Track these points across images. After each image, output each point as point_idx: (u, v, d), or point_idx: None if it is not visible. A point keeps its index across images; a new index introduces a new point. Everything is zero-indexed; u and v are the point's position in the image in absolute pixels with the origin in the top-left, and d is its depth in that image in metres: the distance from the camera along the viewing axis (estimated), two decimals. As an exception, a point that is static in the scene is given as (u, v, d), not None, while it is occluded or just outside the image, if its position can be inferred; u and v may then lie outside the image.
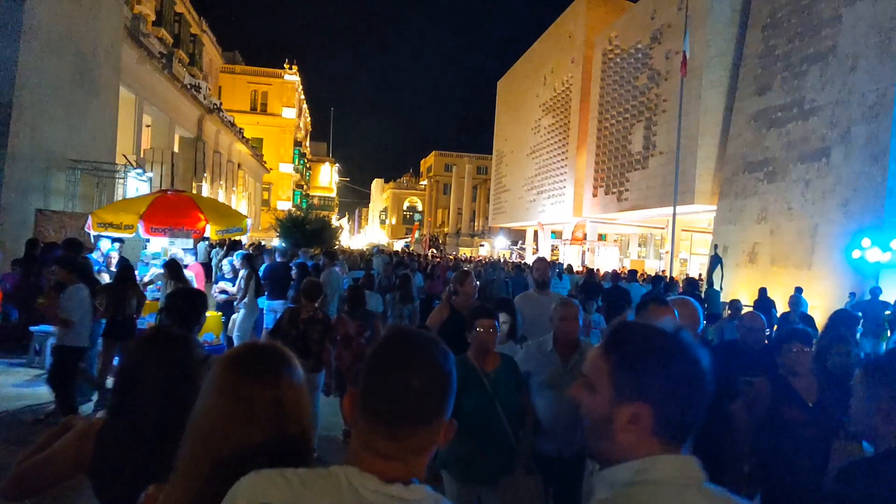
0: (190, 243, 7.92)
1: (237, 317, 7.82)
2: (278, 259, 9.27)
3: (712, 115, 22.92)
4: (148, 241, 8.65)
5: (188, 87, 24.34)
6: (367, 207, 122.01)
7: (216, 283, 8.70)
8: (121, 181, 14.65)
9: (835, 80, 17.47)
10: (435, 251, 43.79)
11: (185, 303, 3.26)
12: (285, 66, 54.31)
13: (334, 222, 67.60)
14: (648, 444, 1.14)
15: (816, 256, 17.43)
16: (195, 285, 8.65)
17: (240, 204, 38.02)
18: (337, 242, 36.98)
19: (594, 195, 32.49)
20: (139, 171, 14.07)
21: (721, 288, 17.48)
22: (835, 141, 17.17)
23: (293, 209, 37.85)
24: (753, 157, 20.63)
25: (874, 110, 15.98)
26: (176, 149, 25.70)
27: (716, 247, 19.93)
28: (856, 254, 15.44)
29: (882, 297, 12.59)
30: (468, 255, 46.67)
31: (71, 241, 6.68)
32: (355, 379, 1.27)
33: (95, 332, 6.20)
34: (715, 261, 18.82)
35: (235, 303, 7.94)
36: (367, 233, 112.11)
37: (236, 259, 8.42)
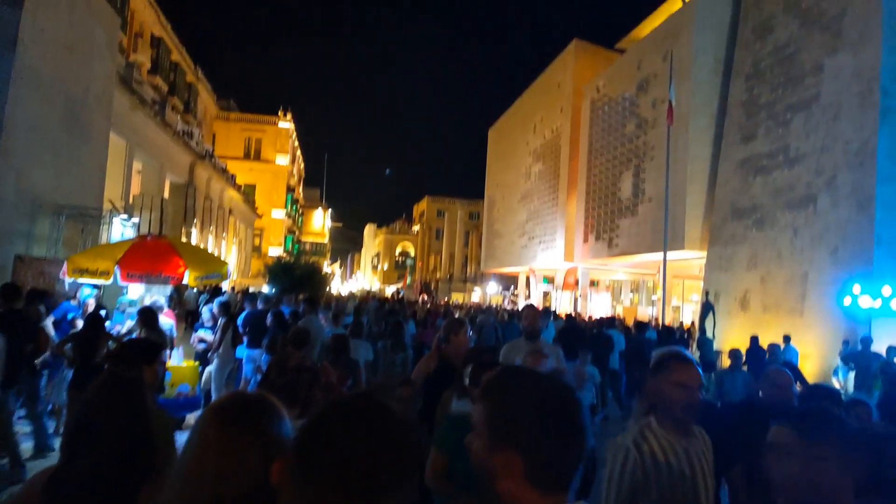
0: (167, 290, 7.69)
1: (211, 368, 7.56)
2: (259, 306, 9.05)
3: (700, 163, 23.07)
4: (126, 287, 8.42)
5: (180, 133, 24.43)
6: (360, 253, 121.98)
7: (196, 331, 8.46)
8: (106, 227, 14.48)
9: (819, 129, 17.66)
10: (426, 296, 43.42)
11: (134, 352, 3.19)
12: (279, 113, 54.96)
13: (326, 268, 67.90)
14: (525, 493, 1.10)
15: (808, 303, 17.29)
16: (175, 334, 8.43)
17: (230, 250, 37.77)
18: (327, 288, 36.67)
19: (585, 241, 32.45)
20: (125, 216, 13.91)
21: (714, 336, 17.26)
22: (821, 188, 17.26)
23: (284, 255, 37.57)
24: (741, 204, 20.66)
25: (858, 158, 16.12)
26: (166, 195, 25.65)
27: (707, 293, 19.78)
28: (847, 301, 15.33)
29: (874, 346, 12.43)
30: (461, 300, 46.29)
31: (33, 291, 6.46)
32: None
33: (35, 384, 5.89)
34: (707, 308, 18.65)
35: (210, 353, 7.69)
36: (358, 278, 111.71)
37: (216, 306, 8.19)
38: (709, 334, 16.92)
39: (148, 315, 6.17)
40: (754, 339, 13.07)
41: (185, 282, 7.27)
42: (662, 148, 24.12)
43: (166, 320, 7.25)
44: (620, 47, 32.31)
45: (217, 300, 7.96)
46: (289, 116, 55.56)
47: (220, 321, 7.69)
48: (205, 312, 8.38)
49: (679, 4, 26.76)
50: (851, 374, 11.99)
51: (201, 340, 8.15)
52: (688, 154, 23.03)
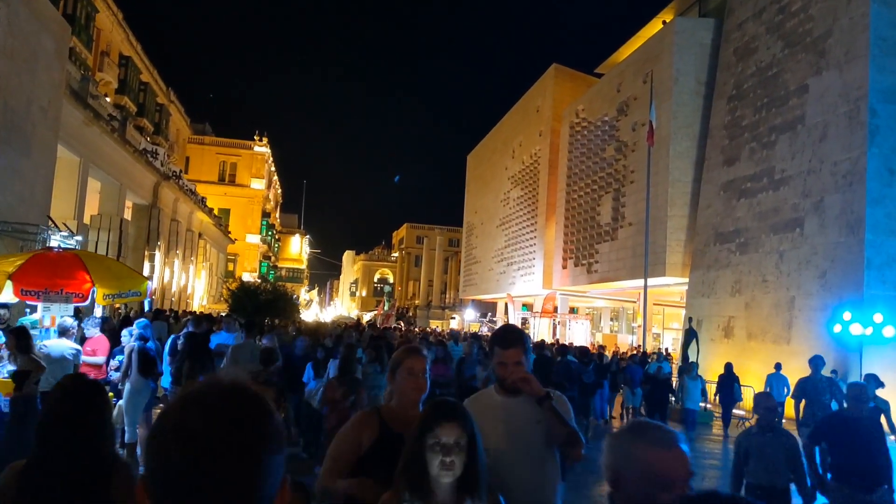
0: (70, 309, 6.55)
1: (121, 402, 6.45)
2: (189, 328, 7.98)
3: (681, 186, 22.56)
4: (44, 307, 7.23)
5: (143, 152, 23.26)
6: (339, 279, 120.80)
7: (113, 358, 7.34)
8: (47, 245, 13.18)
9: (805, 150, 17.08)
10: (402, 324, 42.34)
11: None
12: (255, 137, 54.37)
13: (304, 294, 66.83)
14: None
15: (795, 331, 16.50)
16: (99, 361, 7.30)
17: (199, 274, 36.48)
18: (299, 315, 35.30)
19: (564, 267, 31.81)
20: (65, 233, 12.68)
21: (697, 364, 16.34)
22: (808, 211, 16.60)
23: (257, 280, 36.29)
24: (724, 228, 20.08)
25: (847, 179, 15.47)
26: (128, 215, 24.39)
27: (690, 320, 19.02)
28: (837, 328, 14.51)
29: (867, 372, 11.55)
30: (440, 327, 45.36)
31: None
32: None
33: None
34: (690, 335, 17.86)
35: (118, 384, 6.59)
36: (337, 305, 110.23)
37: (136, 331, 7.04)
38: (692, 361, 16.01)
39: (21, 337, 5.03)
40: (728, 367, 12.37)
41: (90, 300, 6.17)
42: (643, 171, 23.62)
43: (68, 345, 6.08)
44: (600, 72, 32.03)
45: (136, 323, 6.83)
46: (265, 141, 54.93)
47: (134, 346, 6.56)
48: (124, 337, 7.23)
49: (659, 27, 26.45)
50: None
51: (116, 369, 7.03)
52: (669, 177, 22.53)
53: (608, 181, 27.74)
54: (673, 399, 14.19)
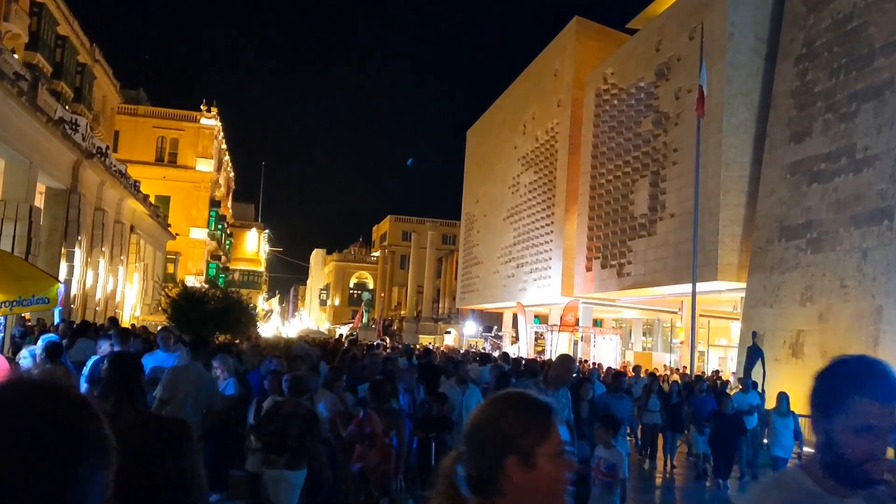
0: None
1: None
2: (115, 348, 7.56)
3: (736, 168, 22.43)
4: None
5: (59, 122, 22.78)
6: (305, 285, 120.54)
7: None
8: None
9: (894, 122, 16.83)
10: (387, 341, 42.05)
11: None
12: (202, 107, 54.20)
13: (261, 303, 66.53)
14: None
15: (884, 348, 16.24)
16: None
17: (131, 277, 36.01)
18: (257, 329, 34.91)
19: (588, 269, 31.59)
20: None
21: (763, 391, 16.08)
22: (899, 198, 16.37)
23: (203, 286, 35.93)
24: (792, 221, 19.90)
25: (949, 159, 15.20)
26: (39, 202, 23.93)
27: (754, 335, 18.80)
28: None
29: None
30: (433, 344, 45.08)
31: None
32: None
33: None
34: (754, 354, 17.64)
35: None
36: (303, 317, 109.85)
37: (41, 347, 6.63)
38: (758, 390, 15.70)
39: None
40: (782, 398, 11.42)
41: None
42: (688, 150, 23.40)
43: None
44: (633, 27, 31.79)
45: (42, 338, 6.41)
46: (214, 112, 54.90)
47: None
48: (24, 357, 6.79)
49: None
50: None
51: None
52: (721, 157, 22.36)
53: (644, 162, 27.55)
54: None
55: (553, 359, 26.05)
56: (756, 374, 17.28)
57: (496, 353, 31.24)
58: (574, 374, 8.73)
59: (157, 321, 32.01)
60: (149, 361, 8.61)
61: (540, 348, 41.20)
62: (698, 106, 19.84)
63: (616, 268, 29.19)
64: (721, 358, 37.59)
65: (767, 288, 20.50)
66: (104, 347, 8.65)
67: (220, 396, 8.14)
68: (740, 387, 14.29)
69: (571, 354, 33.77)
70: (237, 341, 21.73)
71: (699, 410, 12.80)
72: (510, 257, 41.98)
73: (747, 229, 22.14)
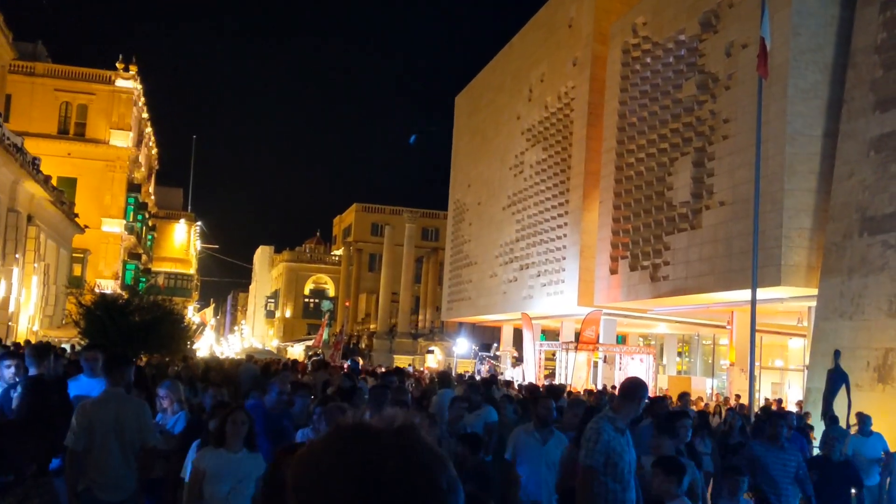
0: None
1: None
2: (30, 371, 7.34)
3: (805, 143, 22.43)
4: None
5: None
6: (247, 292, 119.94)
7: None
8: None
9: None
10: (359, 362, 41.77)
11: None
12: (118, 65, 53.88)
13: (192, 314, 66.08)
14: None
15: None
16: None
17: (28, 282, 35.53)
18: (192, 346, 34.65)
19: (613, 271, 31.49)
20: None
21: (848, 425, 15.98)
22: None
23: (122, 292, 35.80)
24: (877, 210, 19.91)
25: None
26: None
27: (837, 355, 18.73)
28: None
29: None
30: (413, 366, 44.90)
31: None
32: None
33: None
34: (837, 380, 17.62)
35: None
36: (244, 332, 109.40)
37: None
38: (842, 423, 15.63)
39: None
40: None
41: None
42: (744, 120, 23.31)
43: None
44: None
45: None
46: (133, 72, 54.69)
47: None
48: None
49: None
50: None
51: None
52: (786, 129, 22.32)
53: (686, 136, 27.48)
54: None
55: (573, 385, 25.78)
56: (839, 405, 17.26)
57: (503, 378, 31.08)
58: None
59: (64, 337, 31.60)
60: (73, 388, 8.39)
61: (547, 372, 41.16)
62: (760, 64, 19.59)
63: (649, 270, 29.07)
64: (775, 383, 37.79)
65: (845, 295, 20.41)
66: (4, 373, 8.38)
67: (166, 434, 7.95)
68: (855, 425, 14.06)
69: (586, 382, 33.71)
70: (166, 361, 21.62)
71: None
72: (512, 257, 41.79)
73: (819, 221, 22.09)
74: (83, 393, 8.49)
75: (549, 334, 47.51)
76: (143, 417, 7.55)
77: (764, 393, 32.56)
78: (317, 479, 1.48)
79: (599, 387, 31.13)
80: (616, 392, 23.71)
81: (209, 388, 10.07)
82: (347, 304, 75.87)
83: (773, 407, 23.06)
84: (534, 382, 28.01)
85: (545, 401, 9.53)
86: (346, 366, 28.54)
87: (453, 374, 35.36)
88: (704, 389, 36.08)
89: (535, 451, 8.66)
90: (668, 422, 8.53)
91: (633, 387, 7.02)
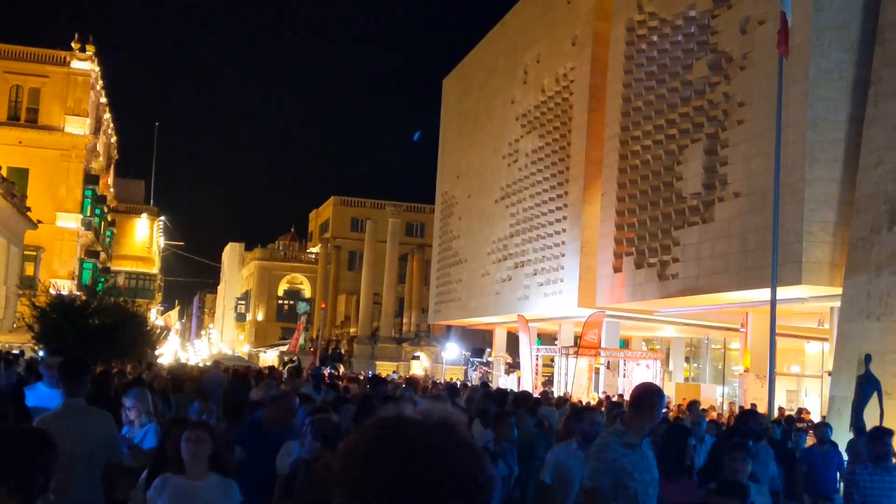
0: None
1: None
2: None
3: (828, 129, 22.32)
4: None
5: None
6: (215, 293, 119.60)
7: None
8: None
9: None
10: (340, 369, 41.75)
11: None
12: (74, 45, 53.62)
13: (155, 317, 65.73)
14: None
15: None
16: None
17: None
18: (157, 353, 34.43)
19: (616, 269, 31.45)
20: None
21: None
22: None
23: (79, 293, 35.51)
24: (908, 201, 19.74)
25: None
26: None
27: (868, 360, 18.68)
28: None
29: None
30: (398, 373, 44.76)
31: None
32: None
33: None
34: (869, 386, 17.52)
35: None
36: (212, 337, 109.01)
37: None
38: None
39: None
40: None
41: None
42: (760, 103, 23.25)
43: None
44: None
45: None
46: (90, 52, 54.46)
47: None
48: None
49: None
50: None
51: None
52: (807, 113, 22.26)
53: (697, 121, 27.46)
54: None
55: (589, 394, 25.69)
56: (870, 413, 17.21)
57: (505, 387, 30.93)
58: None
59: (17, 342, 31.31)
60: (31, 398, 8.33)
61: (544, 378, 41.14)
62: (779, 42, 19.46)
63: (657, 268, 29.00)
64: (791, 391, 37.80)
65: (873, 295, 20.29)
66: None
67: (134, 449, 7.78)
68: None
69: (589, 390, 33.66)
70: (129, 370, 21.48)
71: (824, 471, 12.24)
72: (506, 254, 41.79)
73: (844, 214, 22.01)
74: (42, 404, 8.38)
75: (547, 338, 47.44)
76: (110, 431, 7.40)
77: (779, 401, 32.54)
78: (358, 470, 1.62)
79: (601, 394, 31.26)
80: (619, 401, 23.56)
81: (195, 401, 9.84)
82: (324, 305, 75.61)
83: (800, 417, 23.01)
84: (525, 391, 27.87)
85: (590, 413, 9.31)
86: (307, 372, 28.40)
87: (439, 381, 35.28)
88: (714, 397, 36.12)
89: (581, 472, 7.67)
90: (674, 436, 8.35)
91: (645, 394, 6.76)
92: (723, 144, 26.07)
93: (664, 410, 13.42)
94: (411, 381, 17.99)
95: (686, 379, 45.03)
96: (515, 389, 31.45)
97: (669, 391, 35.92)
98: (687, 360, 47.67)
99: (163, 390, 12.25)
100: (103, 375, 11.86)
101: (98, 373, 12.01)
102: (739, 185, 25.04)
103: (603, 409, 20.89)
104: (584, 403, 22.09)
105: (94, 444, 7.08)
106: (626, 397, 28.90)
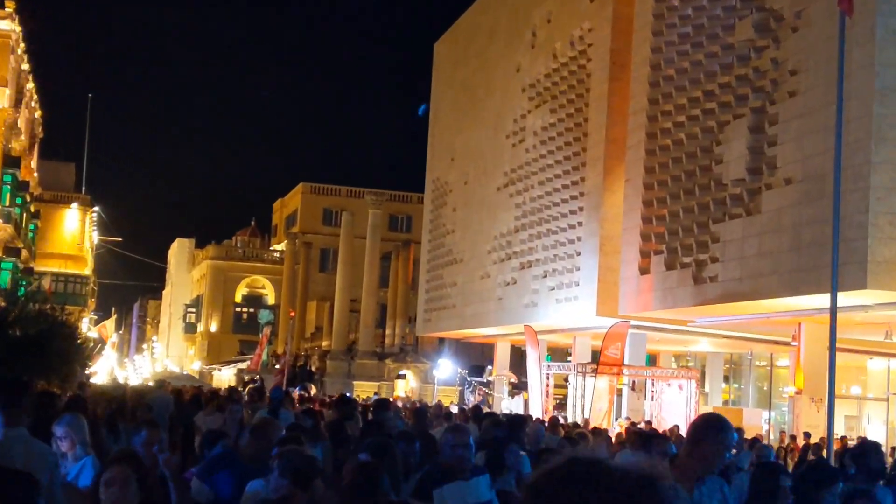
0: None
1: None
2: None
3: (899, 101, 22.33)
4: None
5: None
6: (160, 299, 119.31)
7: None
8: None
9: None
10: (313, 389, 41.70)
11: None
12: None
13: (86, 327, 65.47)
14: None
15: None
16: None
17: None
18: (87, 367, 34.34)
19: (644, 271, 31.37)
20: None
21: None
22: None
23: None
24: None
25: None
26: None
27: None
28: None
29: None
30: (378, 394, 44.57)
31: None
32: None
33: None
34: None
35: None
36: (156, 353, 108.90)
37: None
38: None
39: None
40: None
41: None
42: (817, 73, 23.34)
43: None
44: None
45: None
46: (10, 9, 54.76)
47: None
48: None
49: None
50: None
51: None
52: (874, 83, 22.26)
53: (740, 93, 27.48)
54: None
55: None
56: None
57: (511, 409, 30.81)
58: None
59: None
60: None
61: (556, 402, 41.02)
62: (842, -1, 19.49)
63: (692, 269, 28.94)
64: (850, 416, 37.82)
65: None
66: None
67: (68, 489, 7.76)
68: None
69: (612, 416, 33.58)
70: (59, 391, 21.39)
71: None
72: (510, 252, 41.80)
73: (917, 204, 22.03)
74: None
75: (559, 354, 47.42)
76: (53, 469, 7.49)
77: (836, 428, 32.55)
78: None
79: (624, 420, 31.17)
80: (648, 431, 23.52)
81: (142, 429, 9.52)
82: (291, 314, 75.34)
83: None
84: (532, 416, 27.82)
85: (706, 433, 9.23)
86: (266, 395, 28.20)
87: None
88: (760, 424, 36.12)
89: None
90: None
91: (705, 427, 6.51)
92: (771, 121, 26.02)
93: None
94: (419, 413, 17.53)
95: (725, 402, 45.06)
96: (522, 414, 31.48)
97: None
98: (726, 379, 47.72)
99: (110, 416, 12.07)
100: (46, 397, 11.71)
101: (39, 394, 11.86)
102: (791, 170, 24.97)
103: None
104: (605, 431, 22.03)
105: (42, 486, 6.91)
106: (655, 424, 28.90)
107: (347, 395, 34.27)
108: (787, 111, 25.36)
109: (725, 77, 28.09)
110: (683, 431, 24.17)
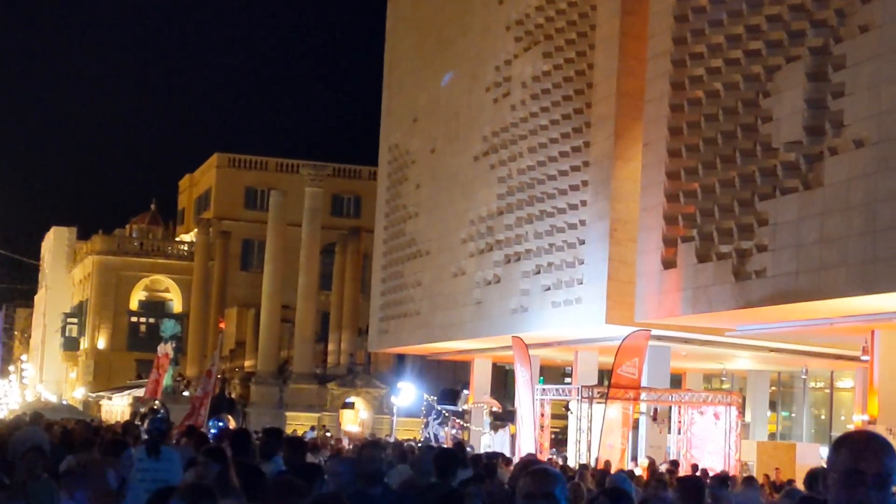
0: None
1: None
2: None
3: None
4: None
5: None
6: (31, 306, 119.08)
7: None
8: None
9: None
10: (231, 421, 41.55)
11: None
12: None
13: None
14: None
15: None
16: None
17: None
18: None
19: (668, 264, 31.24)
20: None
21: None
22: None
23: None
24: None
25: None
26: None
27: None
28: None
29: None
30: (318, 430, 44.60)
31: None
32: None
33: None
34: None
35: None
36: (26, 377, 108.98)
37: None
38: None
39: None
40: None
41: None
42: (885, 12, 23.47)
43: None
44: None
45: None
46: None
47: None
48: None
49: None
50: None
51: None
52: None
53: (795, 29, 27.52)
54: None
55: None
56: None
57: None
58: None
59: None
60: None
61: (553, 435, 41.03)
62: None
63: (731, 261, 29.00)
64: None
65: None
66: None
67: None
68: None
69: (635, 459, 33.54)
70: None
71: None
72: (491, 241, 42.04)
73: None
74: None
75: (555, 373, 47.48)
76: None
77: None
78: None
79: (642, 459, 31.07)
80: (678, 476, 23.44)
81: None
82: (222, 325, 75.11)
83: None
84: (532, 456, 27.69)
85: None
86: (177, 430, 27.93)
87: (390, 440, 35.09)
88: (818, 464, 36.09)
89: None
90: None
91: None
92: (836, 65, 26.04)
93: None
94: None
95: (772, 435, 45.17)
96: (508, 453, 31.32)
97: (749, 455, 35.96)
98: (772, 406, 47.82)
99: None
100: None
101: None
102: (863, 129, 24.99)
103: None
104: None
105: None
106: (685, 465, 28.79)
107: (273, 429, 33.81)
108: (858, 52, 25.40)
109: (774, 8, 28.06)
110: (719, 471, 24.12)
